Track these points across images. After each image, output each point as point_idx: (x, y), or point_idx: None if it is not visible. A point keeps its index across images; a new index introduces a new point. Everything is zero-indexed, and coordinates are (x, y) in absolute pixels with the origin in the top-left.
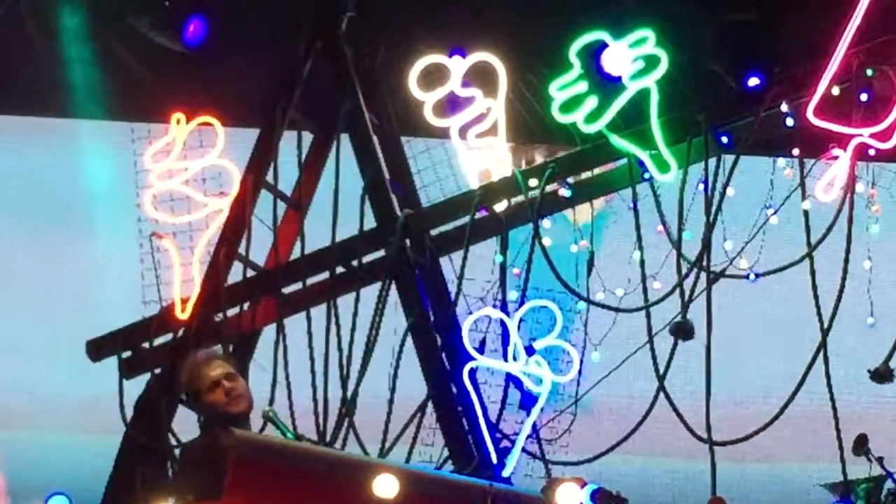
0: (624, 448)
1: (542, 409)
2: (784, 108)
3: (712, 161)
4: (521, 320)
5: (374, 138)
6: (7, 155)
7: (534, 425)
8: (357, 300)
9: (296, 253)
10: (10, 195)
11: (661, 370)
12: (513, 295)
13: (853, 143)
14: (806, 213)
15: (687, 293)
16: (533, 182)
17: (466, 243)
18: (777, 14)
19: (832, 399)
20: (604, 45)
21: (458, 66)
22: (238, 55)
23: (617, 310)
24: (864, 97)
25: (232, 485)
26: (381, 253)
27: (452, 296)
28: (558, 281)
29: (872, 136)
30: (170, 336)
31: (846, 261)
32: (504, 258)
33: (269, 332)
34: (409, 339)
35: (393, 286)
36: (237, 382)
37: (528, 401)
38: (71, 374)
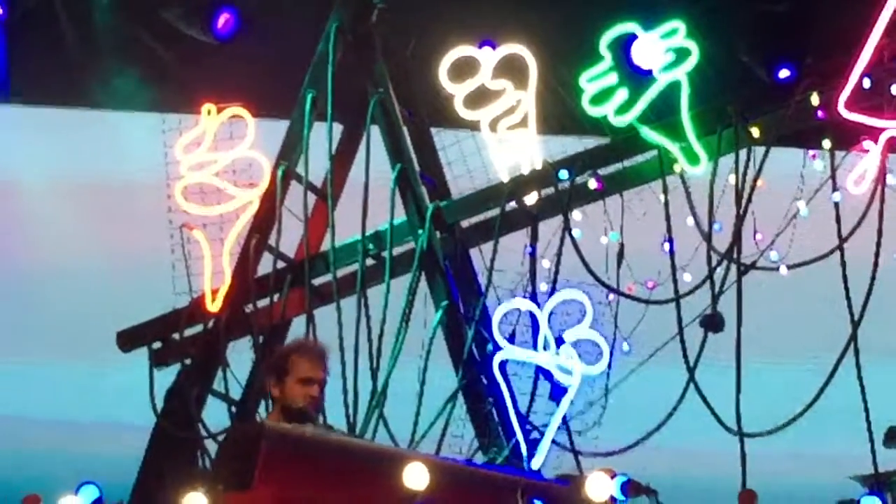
0: (654, 440)
1: (572, 401)
2: (815, 99)
3: (743, 153)
4: (551, 312)
5: (405, 130)
6: (39, 146)
7: (564, 417)
8: (387, 292)
9: (326, 244)
10: (38, 187)
11: (692, 362)
12: (543, 286)
13: (884, 135)
14: (836, 205)
15: (717, 285)
16: (563, 174)
17: (496, 235)
18: (808, 5)
19: (863, 391)
20: (634, 37)
21: (488, 57)
22: (268, 46)
23: (647, 302)
24: (895, 90)
25: (262, 475)
26: (411, 245)
27: (482, 287)
28: (588, 273)
29: None
30: (200, 327)
31: (877, 254)
32: (534, 250)
33: (299, 323)
34: (440, 331)
35: (423, 278)
36: (321, 396)
37: (557, 392)
38: (101, 365)
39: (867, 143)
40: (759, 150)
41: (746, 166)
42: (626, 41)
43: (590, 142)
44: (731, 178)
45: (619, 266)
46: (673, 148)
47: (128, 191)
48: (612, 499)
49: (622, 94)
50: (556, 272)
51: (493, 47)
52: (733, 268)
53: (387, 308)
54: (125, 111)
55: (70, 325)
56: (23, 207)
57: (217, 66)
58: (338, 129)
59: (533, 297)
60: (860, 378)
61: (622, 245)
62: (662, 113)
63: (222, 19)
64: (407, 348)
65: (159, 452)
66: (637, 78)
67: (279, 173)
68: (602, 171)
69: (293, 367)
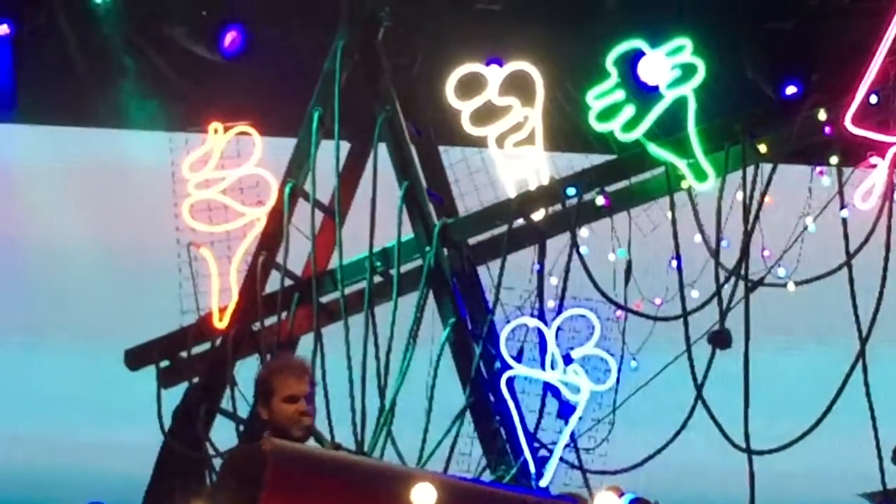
0: (663, 457)
1: (579, 419)
2: (822, 115)
3: (750, 170)
4: (558, 329)
5: (412, 147)
6: (46, 164)
7: (572, 434)
8: (395, 309)
9: (333, 262)
10: (45, 202)
11: (699, 379)
12: (550, 303)
13: (892, 150)
14: (844, 221)
15: (725, 302)
16: (570, 191)
17: (504, 252)
18: (814, 22)
19: (871, 408)
20: (641, 54)
21: (495, 74)
22: (275, 64)
23: (655, 318)
24: None
25: (269, 495)
26: (418, 262)
27: (490, 304)
28: (596, 290)
29: None
30: (207, 345)
31: (885, 269)
32: (542, 267)
33: (307, 340)
34: (447, 348)
35: (430, 295)
36: (311, 407)
37: (565, 410)
38: (109, 383)
39: (874, 159)
40: (767, 167)
41: (754, 183)
42: (633, 58)
43: (597, 158)
44: (739, 195)
45: (626, 283)
46: (680, 164)
47: (135, 205)
48: None
49: (629, 111)
50: (564, 289)
51: (500, 64)
52: (741, 284)
53: (394, 325)
54: (132, 130)
55: (77, 343)
56: (24, 219)
57: (224, 85)
58: (345, 146)
59: (541, 315)
60: (868, 395)
61: (630, 262)
62: (669, 129)
63: (229, 38)
64: (415, 366)
65: (167, 472)
66: (644, 95)
67: (286, 191)
68: (609, 188)
69: (276, 386)
